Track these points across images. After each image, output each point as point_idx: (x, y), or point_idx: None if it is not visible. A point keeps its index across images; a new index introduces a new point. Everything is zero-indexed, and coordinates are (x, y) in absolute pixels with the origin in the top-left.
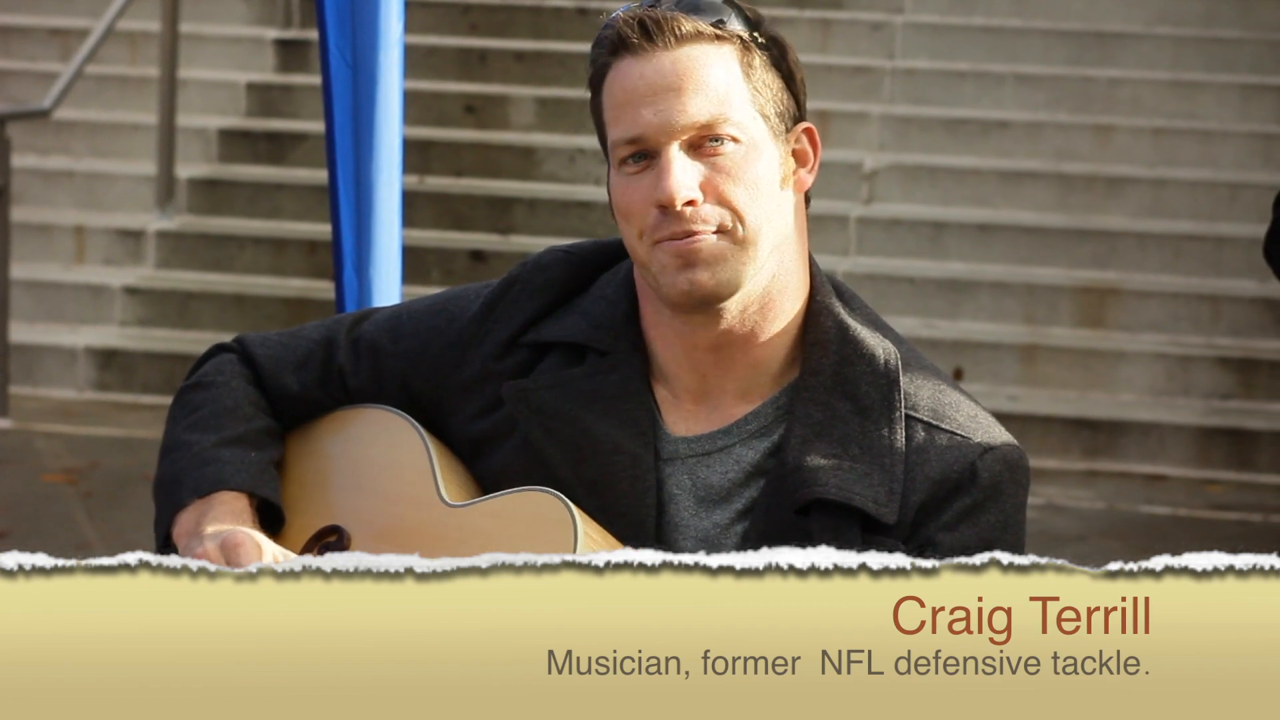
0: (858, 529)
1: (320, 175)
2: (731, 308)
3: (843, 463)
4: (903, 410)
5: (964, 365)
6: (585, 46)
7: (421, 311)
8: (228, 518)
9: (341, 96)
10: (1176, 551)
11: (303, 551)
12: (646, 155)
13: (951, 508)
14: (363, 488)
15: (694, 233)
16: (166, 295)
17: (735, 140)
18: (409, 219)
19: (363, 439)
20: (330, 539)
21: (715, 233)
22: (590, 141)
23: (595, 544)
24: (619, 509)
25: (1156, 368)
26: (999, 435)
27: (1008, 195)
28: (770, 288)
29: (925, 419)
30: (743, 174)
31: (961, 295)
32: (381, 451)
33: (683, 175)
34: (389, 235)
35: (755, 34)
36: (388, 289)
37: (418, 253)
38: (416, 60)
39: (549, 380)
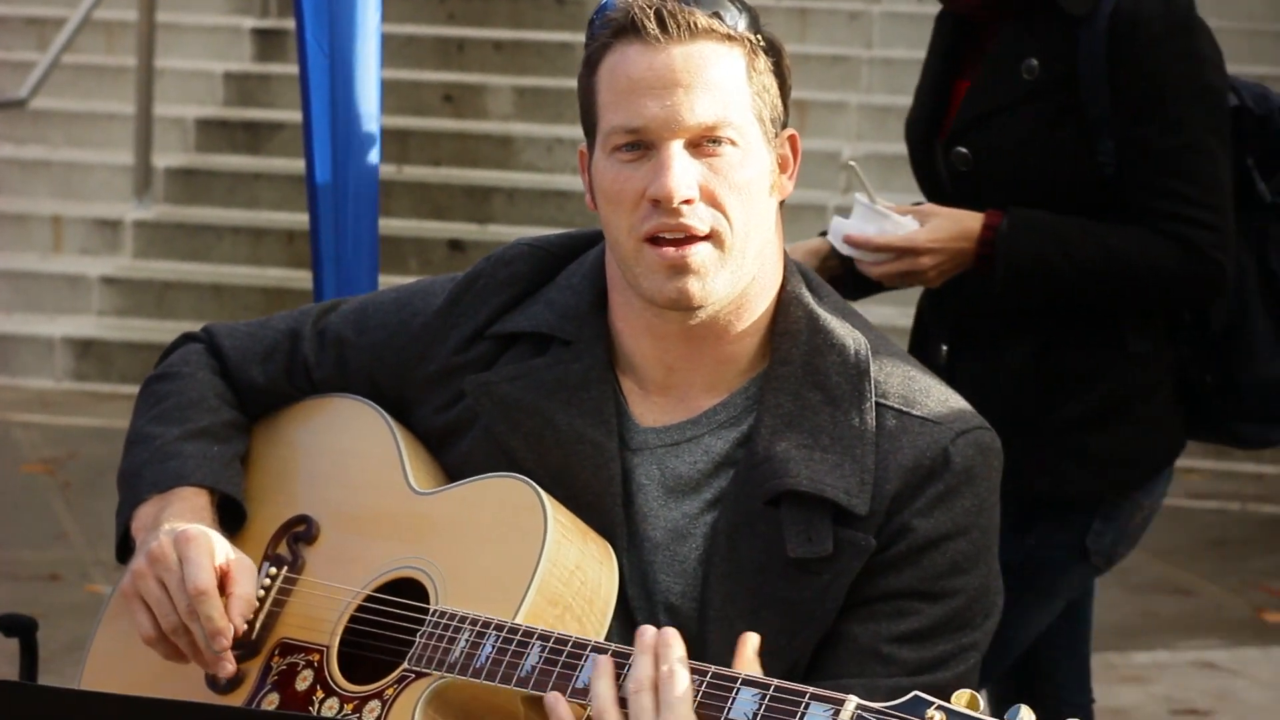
0: (829, 520)
1: (298, 165)
2: (708, 308)
3: (814, 453)
4: (873, 399)
5: None
6: (564, 36)
7: (387, 304)
8: (186, 514)
9: (319, 86)
10: (1154, 540)
11: (272, 540)
12: (642, 146)
13: (925, 494)
14: (330, 476)
15: (688, 234)
16: (144, 285)
17: (733, 144)
18: (387, 208)
19: (330, 428)
20: (299, 529)
21: (706, 238)
22: (569, 131)
23: (565, 529)
24: (585, 498)
25: None
26: (971, 419)
27: None
28: (748, 289)
29: (896, 406)
30: (737, 178)
31: None
32: (349, 440)
33: (683, 174)
34: (367, 224)
35: (759, 36)
36: (365, 278)
37: (396, 242)
38: (394, 49)
39: (511, 372)
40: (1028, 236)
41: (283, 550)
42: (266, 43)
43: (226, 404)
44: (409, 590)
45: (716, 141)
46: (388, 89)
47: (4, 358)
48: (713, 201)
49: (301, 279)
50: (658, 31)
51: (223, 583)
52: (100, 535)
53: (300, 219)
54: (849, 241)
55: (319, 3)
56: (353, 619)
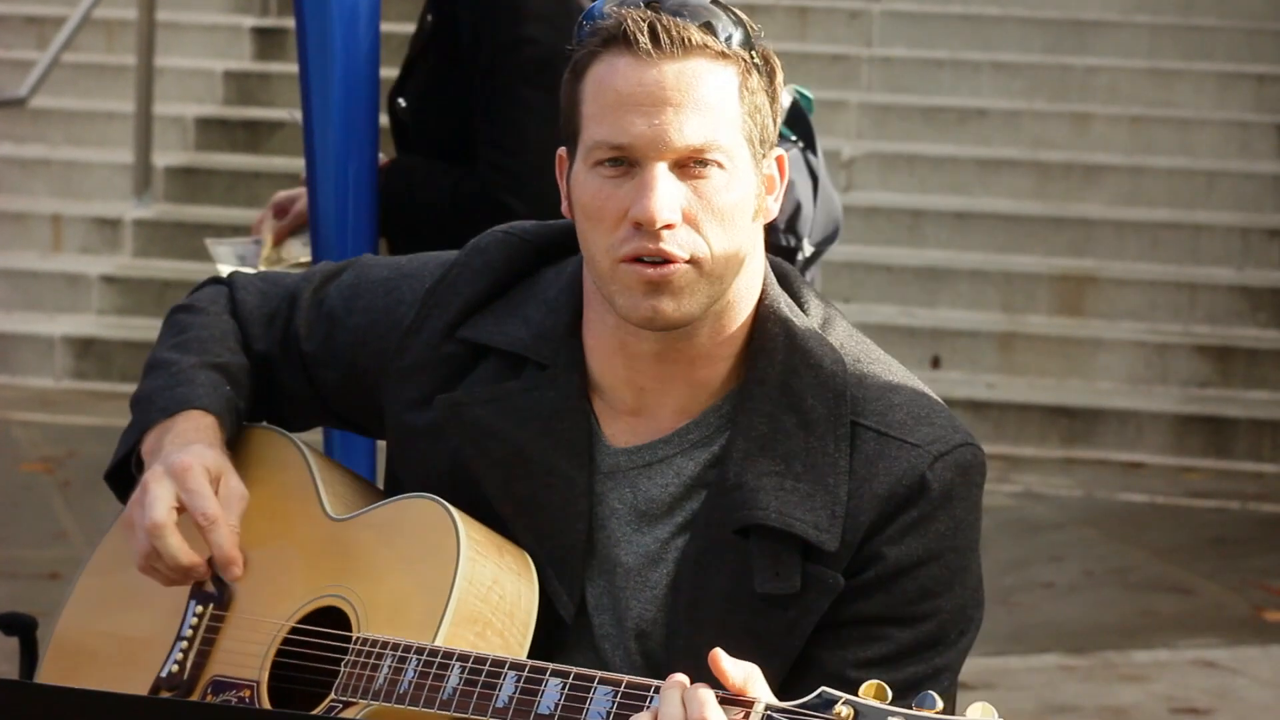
0: (797, 555)
1: (298, 163)
2: (682, 328)
3: (785, 481)
4: (849, 426)
5: (942, 353)
6: None
7: (377, 285)
8: (190, 433)
9: (319, 84)
10: (1154, 538)
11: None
12: (626, 163)
13: (898, 521)
14: (252, 507)
15: (666, 258)
16: (143, 284)
17: (720, 166)
18: None
19: (249, 458)
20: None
21: (686, 262)
22: None
23: (479, 545)
24: (547, 530)
25: (1134, 355)
26: (951, 437)
27: (985, 183)
28: (723, 311)
29: (875, 426)
30: (721, 204)
31: (939, 283)
32: (264, 470)
33: (667, 197)
34: (367, 223)
35: (753, 53)
36: None
37: None
38: (393, 48)
39: (484, 394)
40: (392, 179)
41: (208, 586)
42: (266, 41)
43: (243, 350)
44: (333, 619)
45: (704, 164)
46: (386, 88)
47: (3, 356)
48: (694, 225)
49: None
50: (650, 46)
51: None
52: (99, 534)
53: None
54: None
55: (319, 1)
56: (279, 652)
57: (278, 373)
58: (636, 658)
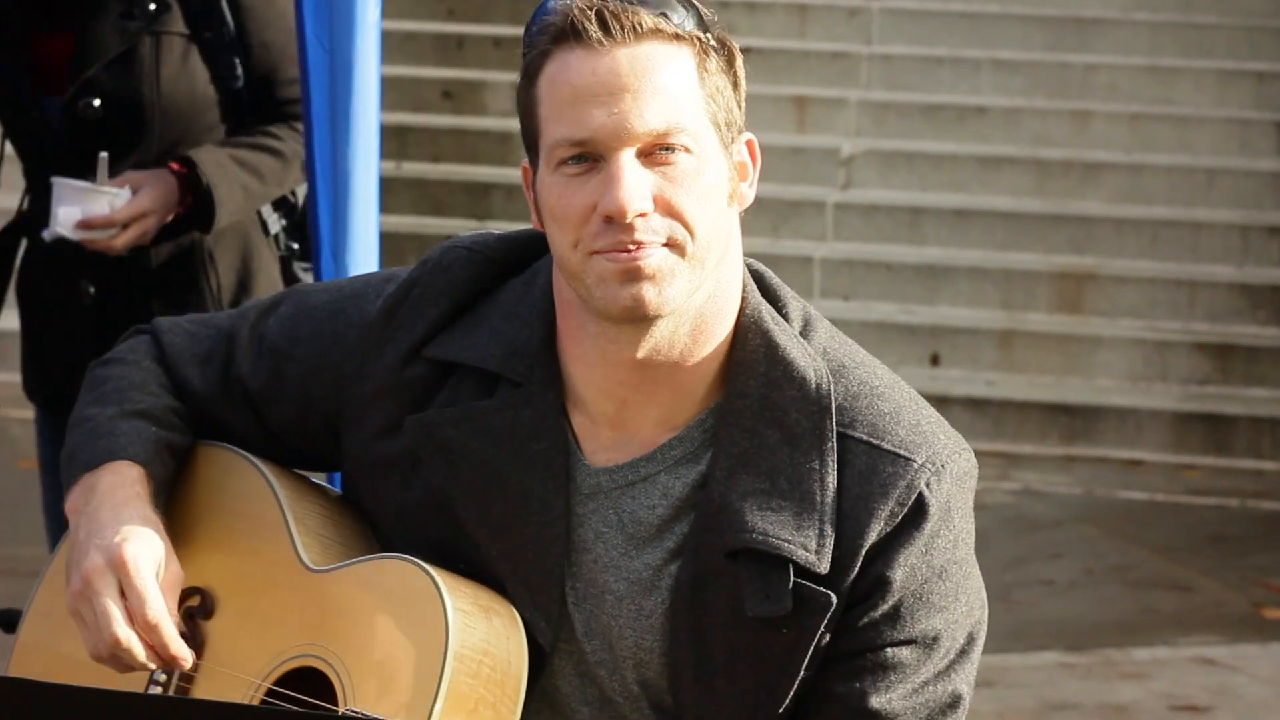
0: (787, 577)
1: None
2: (663, 325)
3: (770, 500)
4: (834, 440)
5: (941, 351)
6: None
7: (320, 310)
8: (118, 491)
9: (319, 82)
10: (1154, 536)
11: None
12: (590, 158)
13: (899, 542)
14: (218, 543)
15: (641, 244)
16: None
17: (688, 150)
18: (386, 204)
19: (210, 484)
20: (193, 602)
21: (664, 245)
22: None
23: (467, 614)
24: (522, 555)
25: (1134, 353)
26: (943, 446)
27: (985, 180)
28: (704, 309)
29: (864, 437)
30: (694, 185)
31: (939, 281)
32: (231, 500)
33: (635, 186)
34: (366, 221)
35: (708, 35)
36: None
37: (395, 238)
38: (394, 45)
39: (455, 414)
40: (223, 175)
41: (180, 626)
42: None
43: (168, 392)
44: (312, 680)
45: (669, 149)
46: (387, 85)
47: (1, 354)
48: (669, 211)
49: (301, 275)
50: (600, 34)
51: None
52: None
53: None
54: (87, 225)
55: (319, 1)
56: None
57: (222, 414)
58: (634, 686)
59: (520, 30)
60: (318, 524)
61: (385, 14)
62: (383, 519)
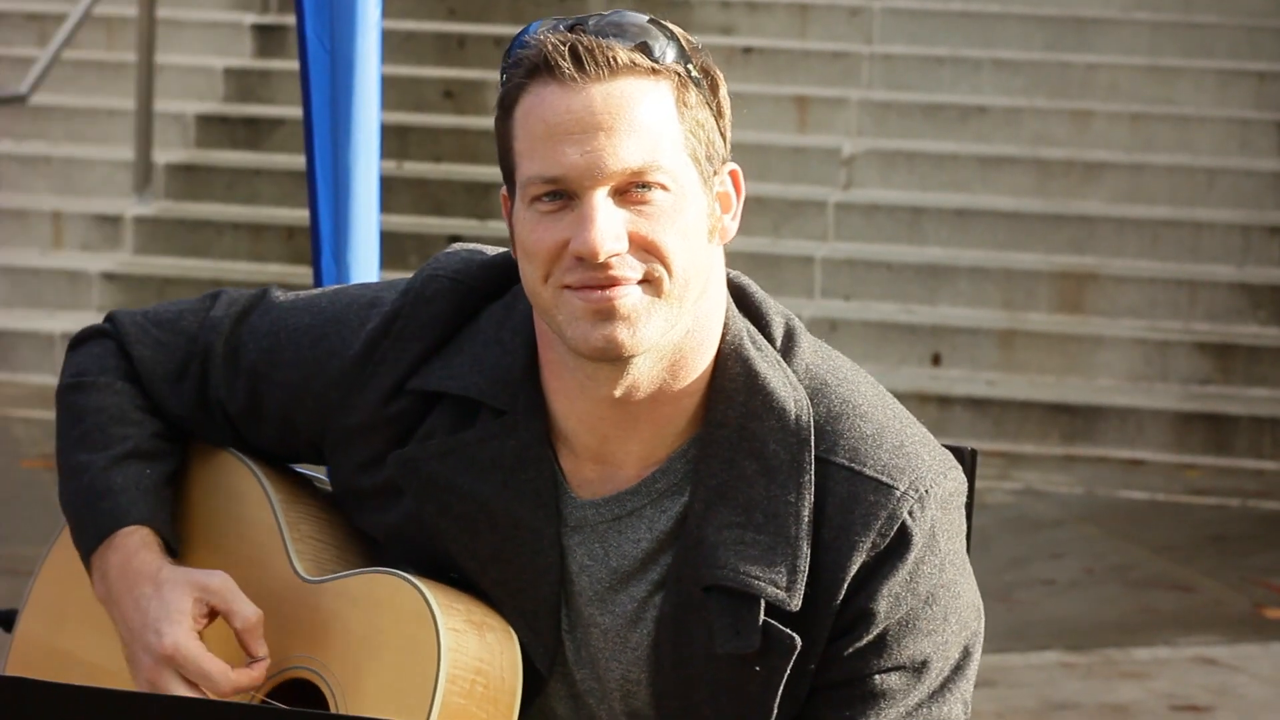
0: (758, 613)
1: (298, 160)
2: (640, 362)
3: (745, 534)
4: (812, 472)
5: (942, 351)
6: None
7: (302, 334)
8: (136, 565)
9: (319, 81)
10: (1154, 536)
11: None
12: (564, 195)
13: (882, 574)
14: (214, 546)
15: (615, 280)
16: (144, 281)
17: (665, 188)
18: (387, 204)
19: (205, 485)
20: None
21: (640, 283)
22: None
23: (459, 633)
24: (518, 584)
25: (1134, 353)
26: (927, 470)
27: (986, 180)
28: (683, 344)
29: (845, 463)
30: (672, 223)
31: (940, 280)
32: (226, 503)
33: (607, 225)
34: (367, 220)
35: (689, 67)
36: (366, 274)
37: (396, 238)
38: (395, 45)
39: (439, 447)
40: None
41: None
42: (267, 38)
43: (148, 414)
44: (305, 693)
45: (646, 187)
46: (388, 84)
47: (4, 353)
48: (646, 247)
49: (302, 274)
50: (573, 71)
51: (240, 640)
52: None
53: (300, 214)
54: None
55: None
56: None
57: (202, 431)
58: (622, 716)
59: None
60: (312, 528)
61: (386, 13)
62: (373, 535)
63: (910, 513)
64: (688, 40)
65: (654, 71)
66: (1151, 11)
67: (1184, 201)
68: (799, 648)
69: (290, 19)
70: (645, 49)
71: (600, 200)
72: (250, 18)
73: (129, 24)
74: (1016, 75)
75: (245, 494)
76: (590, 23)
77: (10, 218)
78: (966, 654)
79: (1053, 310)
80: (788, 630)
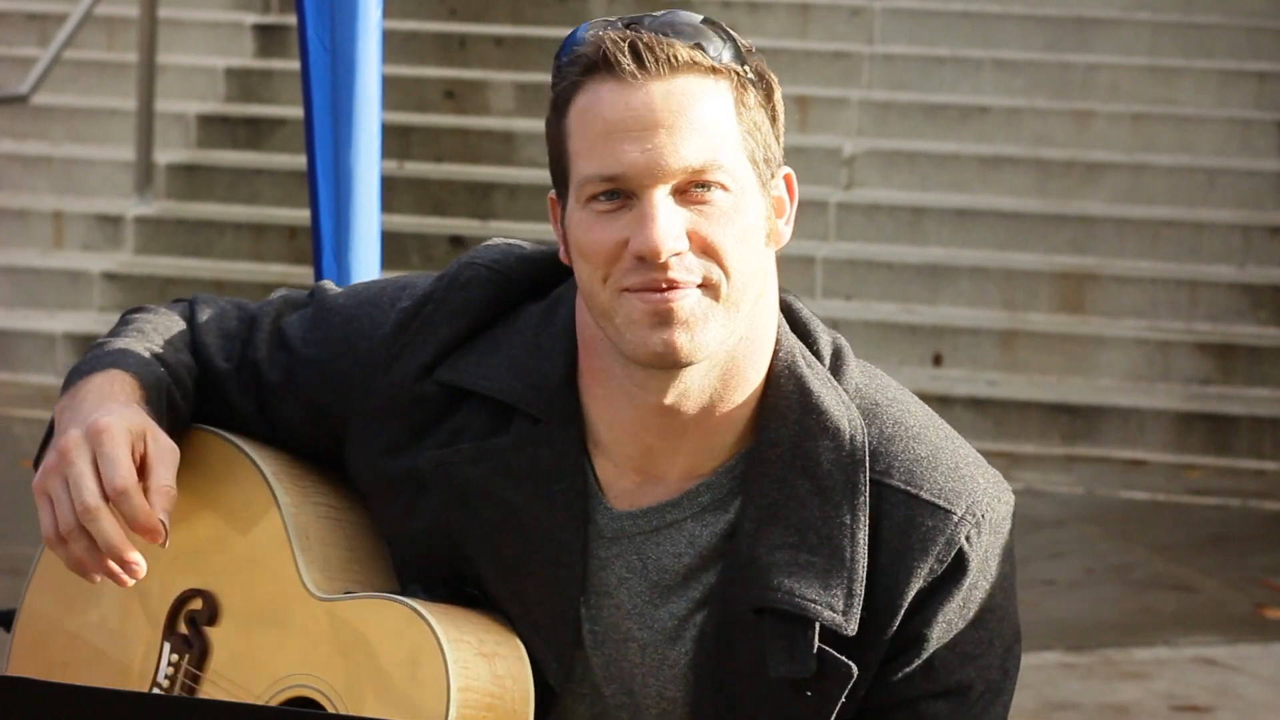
0: (813, 638)
1: (299, 160)
2: (694, 371)
3: (799, 555)
4: (867, 493)
5: (943, 351)
6: (565, 32)
7: (335, 315)
8: (106, 388)
9: (320, 81)
10: (1155, 536)
11: (170, 613)
12: (622, 195)
13: (938, 598)
14: (218, 544)
15: (675, 284)
16: (145, 281)
17: (725, 188)
18: (388, 204)
19: (207, 478)
20: (195, 606)
21: (699, 287)
22: None
23: (468, 667)
24: (536, 596)
25: (1135, 353)
26: (983, 493)
27: (987, 180)
28: (736, 352)
29: (902, 486)
30: (732, 224)
31: (940, 280)
32: (231, 500)
33: (669, 225)
34: (368, 221)
35: (746, 68)
36: (367, 274)
37: (397, 238)
38: (396, 45)
39: (472, 452)
40: None
41: (183, 629)
42: (268, 38)
43: (190, 352)
44: (312, 709)
45: (705, 186)
46: (389, 85)
47: (4, 353)
48: (705, 249)
49: (303, 275)
50: (634, 67)
51: (140, 470)
52: None
53: (302, 214)
54: None
55: None
56: None
57: (230, 394)
58: None
59: (522, 30)
60: (322, 533)
61: (387, 14)
62: (389, 536)
63: (967, 538)
64: (743, 42)
65: (714, 70)
66: (1152, 11)
67: (1184, 201)
68: (855, 676)
69: (291, 19)
70: (702, 45)
71: (660, 198)
72: (251, 18)
73: (130, 24)
74: (1017, 75)
75: (253, 495)
76: (646, 22)
77: (11, 218)
78: (1005, 675)
79: (1053, 310)
80: (843, 659)
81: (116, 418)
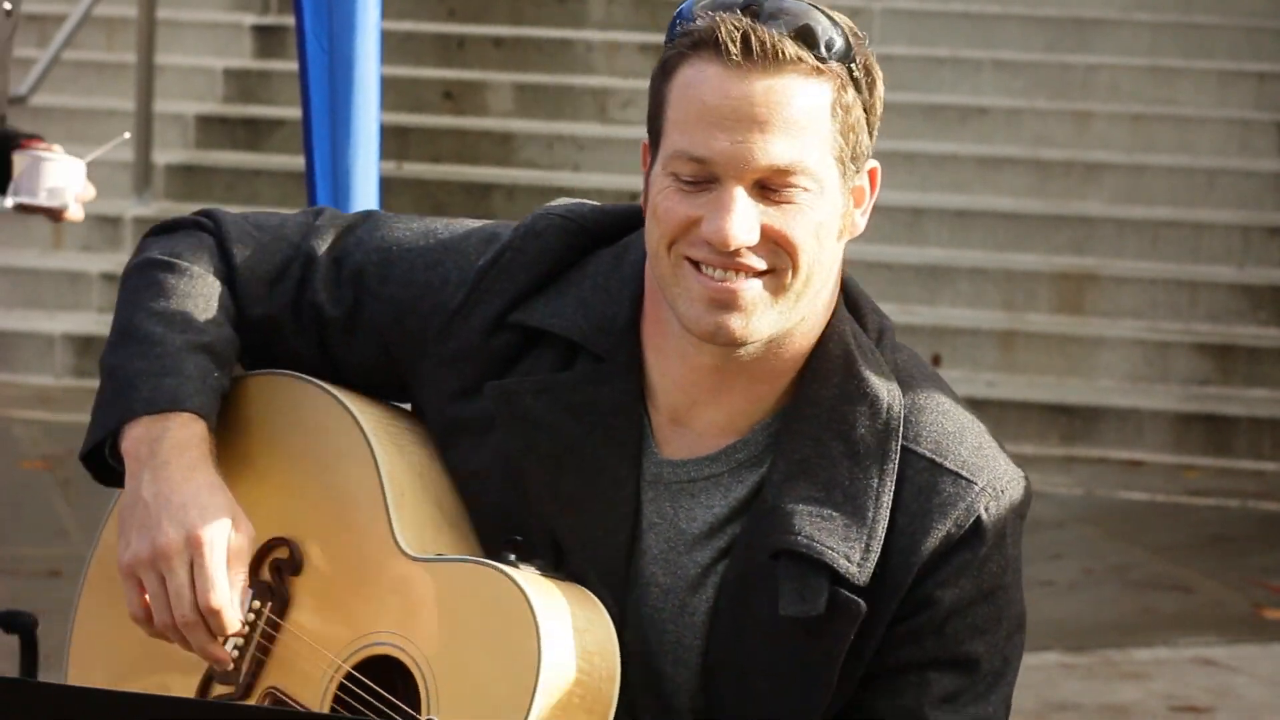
0: (825, 581)
1: (298, 161)
2: (750, 346)
3: (822, 509)
4: (896, 459)
5: (942, 351)
6: (564, 33)
7: (417, 256)
8: (188, 450)
9: (318, 82)
10: (1154, 537)
11: (255, 560)
12: (705, 179)
13: (952, 563)
14: (307, 494)
15: (739, 268)
16: None
17: (805, 189)
18: (387, 205)
19: (301, 428)
20: (280, 554)
21: (762, 273)
22: (569, 128)
23: (559, 644)
24: (593, 532)
25: (1134, 353)
26: (1003, 472)
27: (986, 181)
28: (794, 329)
29: (928, 454)
30: (806, 222)
31: (940, 281)
32: (324, 453)
33: (743, 219)
34: None
35: (853, 65)
36: None
37: None
38: (394, 46)
39: (535, 384)
40: None
41: (267, 577)
42: (266, 39)
43: (230, 321)
44: (394, 670)
45: (787, 185)
46: (387, 85)
47: (4, 354)
48: (777, 240)
49: None
50: (740, 57)
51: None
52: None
53: None
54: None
55: None
56: (337, 698)
57: (283, 336)
58: (668, 683)
59: (520, 31)
60: (415, 490)
61: (385, 14)
62: (459, 482)
63: (986, 508)
64: (854, 33)
65: (818, 70)
66: (1151, 12)
67: (1184, 202)
68: (864, 613)
69: (290, 20)
70: (812, 40)
71: (740, 194)
72: (250, 18)
73: (129, 25)
74: (1017, 76)
75: (345, 444)
76: (765, 6)
77: (10, 218)
78: (1006, 662)
79: (1053, 311)
80: (854, 596)
81: (214, 528)
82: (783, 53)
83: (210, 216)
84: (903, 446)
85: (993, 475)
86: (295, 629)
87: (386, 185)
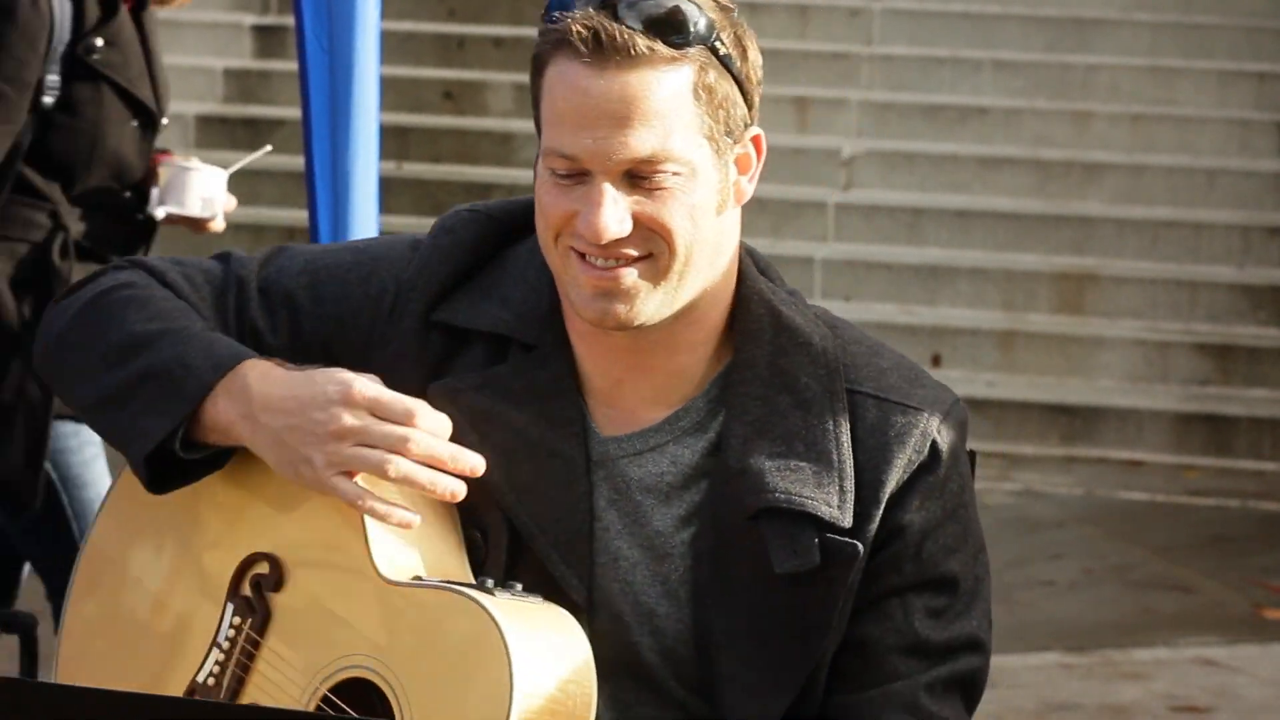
0: (812, 532)
1: (298, 161)
2: (638, 328)
3: (789, 462)
4: (845, 399)
5: (942, 351)
6: None
7: (342, 270)
8: (268, 374)
9: (318, 82)
10: (1154, 537)
11: (235, 576)
12: (576, 174)
13: (916, 488)
14: (284, 508)
15: (617, 256)
16: None
17: (676, 174)
18: (386, 205)
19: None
20: (260, 570)
21: (639, 260)
22: None
23: (534, 675)
24: (550, 515)
25: (1134, 353)
26: (942, 395)
27: (986, 181)
28: (695, 301)
29: (871, 392)
30: (678, 204)
31: (940, 281)
32: None
33: (611, 212)
34: (366, 221)
35: (718, 42)
36: None
37: None
38: (394, 46)
39: (475, 380)
40: None
41: (247, 592)
42: (266, 39)
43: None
44: (371, 692)
45: (657, 173)
46: (387, 85)
47: None
48: (651, 226)
49: None
50: (591, 56)
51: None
52: None
53: (300, 215)
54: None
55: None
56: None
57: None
58: (653, 654)
59: (520, 31)
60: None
61: (385, 14)
62: None
63: (938, 431)
64: (720, 5)
65: (673, 59)
66: (1151, 12)
67: (1184, 202)
68: (860, 554)
69: (290, 20)
70: (667, 28)
71: (608, 187)
72: (250, 19)
73: None
74: (1017, 76)
75: None
76: (621, 1)
77: None
78: (979, 580)
79: (1053, 311)
80: (848, 539)
81: (344, 379)
82: (633, 47)
83: (128, 262)
84: (848, 389)
85: (935, 400)
86: (274, 647)
87: (386, 185)
